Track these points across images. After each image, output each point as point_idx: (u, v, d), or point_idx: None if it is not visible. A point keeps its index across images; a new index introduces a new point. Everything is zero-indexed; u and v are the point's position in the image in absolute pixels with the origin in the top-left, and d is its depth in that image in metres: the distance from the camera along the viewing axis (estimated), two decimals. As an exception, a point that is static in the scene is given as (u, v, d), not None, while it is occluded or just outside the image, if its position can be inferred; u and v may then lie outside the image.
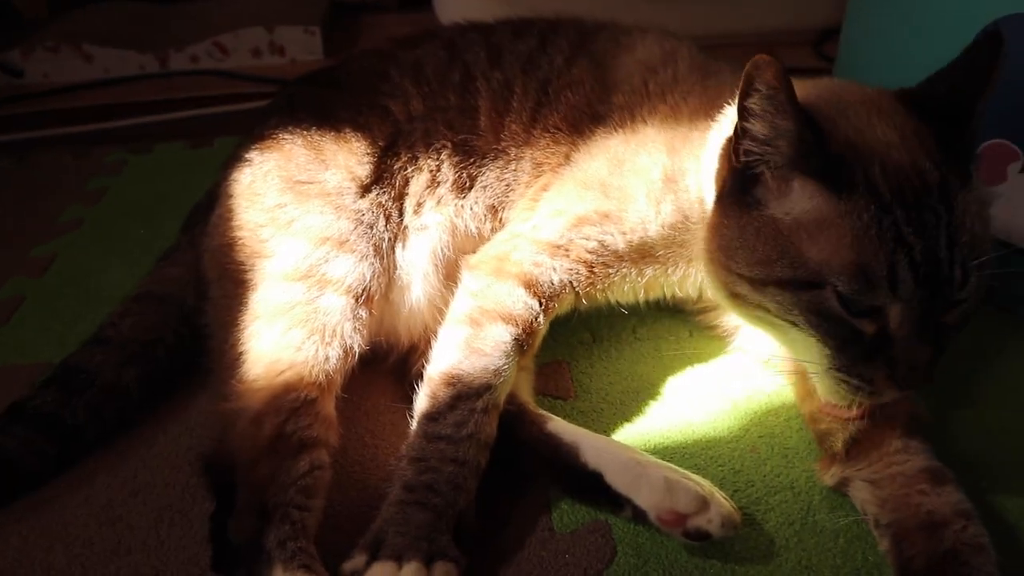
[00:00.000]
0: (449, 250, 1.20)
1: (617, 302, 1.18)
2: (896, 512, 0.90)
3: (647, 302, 1.20)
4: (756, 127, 0.87)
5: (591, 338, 1.25)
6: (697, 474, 0.98)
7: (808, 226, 0.86)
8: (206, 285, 1.18)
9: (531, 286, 1.07)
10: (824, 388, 0.92)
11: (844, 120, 0.89)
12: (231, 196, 1.20)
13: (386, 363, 1.19)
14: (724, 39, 2.24)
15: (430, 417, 0.97)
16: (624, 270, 1.12)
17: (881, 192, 0.83)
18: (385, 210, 1.17)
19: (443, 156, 1.21)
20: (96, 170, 1.82)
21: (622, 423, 1.11)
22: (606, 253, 1.11)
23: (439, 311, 1.14)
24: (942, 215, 0.83)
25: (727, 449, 1.06)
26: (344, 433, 1.07)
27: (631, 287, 1.15)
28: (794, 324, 0.90)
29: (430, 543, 0.87)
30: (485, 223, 1.23)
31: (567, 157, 1.19)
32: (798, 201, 0.87)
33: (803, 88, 0.91)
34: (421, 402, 1.00)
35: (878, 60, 1.46)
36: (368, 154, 1.19)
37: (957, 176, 0.86)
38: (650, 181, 1.09)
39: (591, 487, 0.96)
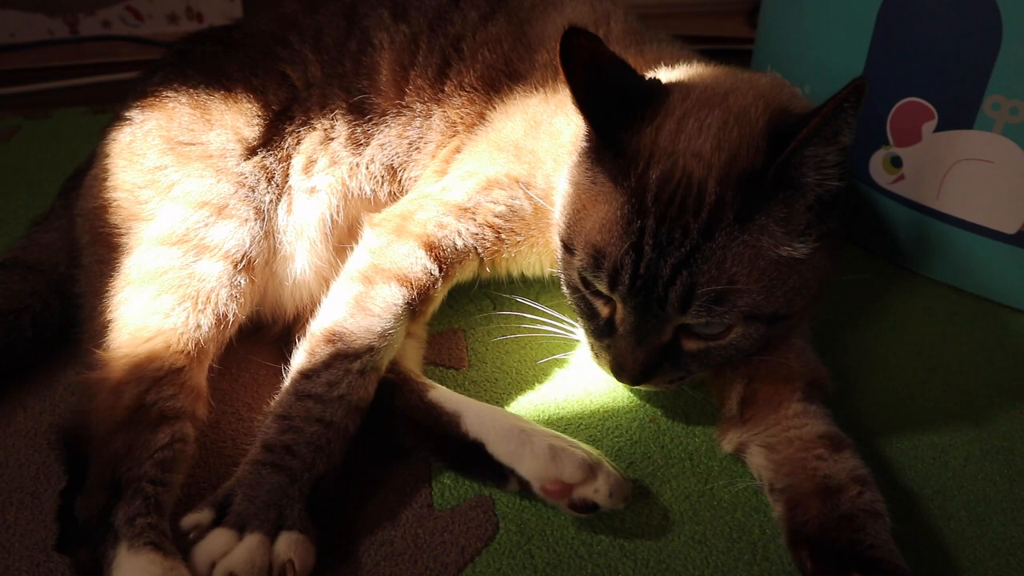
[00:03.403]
0: (340, 217, 1.14)
1: (522, 273, 1.13)
2: (791, 476, 0.86)
3: (553, 274, 1.14)
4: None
5: (491, 306, 1.19)
6: (592, 446, 0.93)
7: (591, 197, 0.90)
8: (79, 250, 1.10)
9: (432, 248, 1.02)
10: (590, 351, 0.97)
11: (669, 117, 0.87)
12: (108, 156, 1.13)
13: (270, 334, 1.12)
14: (657, 8, 2.20)
15: (304, 374, 0.92)
16: (532, 238, 1.08)
17: (645, 195, 0.83)
18: (268, 172, 1.11)
19: (338, 115, 1.17)
20: (-15, 136, 1.71)
21: (517, 393, 1.05)
22: (514, 218, 1.06)
23: (327, 283, 1.08)
24: (693, 236, 0.81)
25: (625, 420, 1.01)
26: (219, 407, 1.01)
27: (538, 257, 1.11)
28: (564, 288, 0.97)
29: (279, 511, 0.81)
30: (382, 186, 1.17)
31: (482, 116, 1.15)
32: (584, 172, 0.91)
33: (692, 78, 0.96)
34: (298, 358, 0.95)
35: (793, 32, 1.42)
36: (259, 116, 1.14)
37: (739, 209, 0.81)
38: (560, 144, 1.04)
39: (473, 458, 0.90)
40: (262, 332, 1.12)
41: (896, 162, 1.22)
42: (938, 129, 1.15)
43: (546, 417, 1.01)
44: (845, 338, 1.14)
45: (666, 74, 1.01)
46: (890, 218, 1.27)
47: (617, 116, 0.87)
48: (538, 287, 1.14)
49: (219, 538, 0.80)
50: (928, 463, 0.96)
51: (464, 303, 1.19)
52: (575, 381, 1.07)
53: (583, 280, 0.91)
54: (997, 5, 1.04)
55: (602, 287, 0.88)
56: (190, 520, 0.82)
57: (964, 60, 1.10)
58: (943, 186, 1.18)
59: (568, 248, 0.93)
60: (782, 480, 0.87)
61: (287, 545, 0.79)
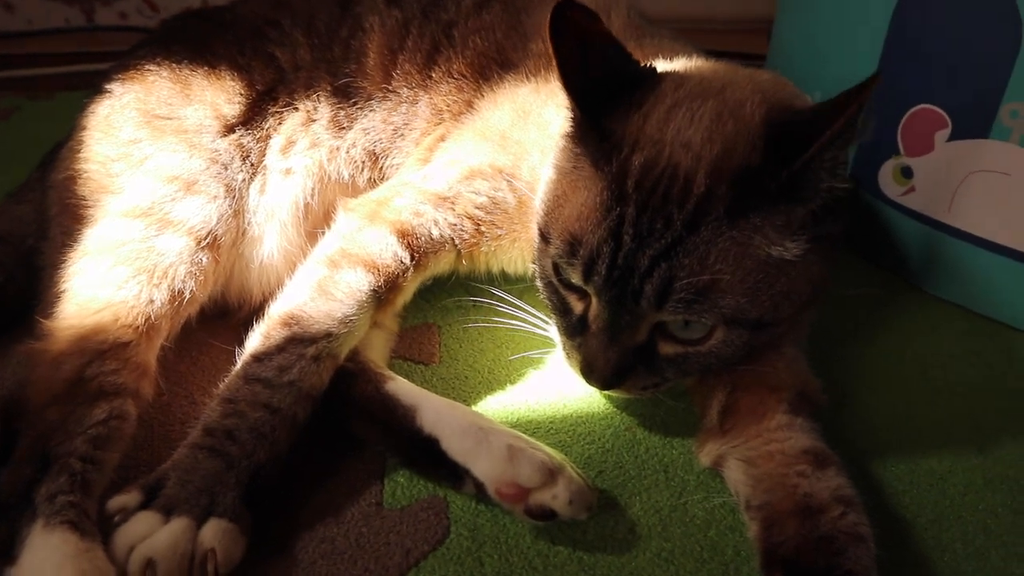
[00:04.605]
0: (315, 201, 1.10)
1: (503, 270, 1.08)
2: (770, 493, 0.79)
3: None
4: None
5: (470, 302, 1.12)
6: (560, 451, 0.87)
7: (571, 183, 0.84)
8: (48, 223, 1.07)
9: (406, 236, 0.98)
10: (562, 351, 0.91)
11: (659, 105, 0.82)
12: (85, 128, 1.12)
13: (235, 319, 1.07)
14: (680, 24, 2.15)
15: (256, 357, 0.87)
16: (514, 232, 1.03)
17: (626, 182, 0.78)
18: (244, 150, 1.08)
19: (321, 97, 1.14)
20: (-16, 114, 1.70)
21: (486, 392, 0.99)
22: (496, 211, 1.02)
23: (296, 268, 1.04)
24: (675, 227, 0.75)
25: (599, 427, 0.94)
26: (173, 389, 0.97)
27: (520, 253, 1.06)
28: (538, 281, 0.92)
29: (212, 498, 0.76)
30: (362, 172, 1.13)
31: (470, 105, 1.11)
32: (567, 157, 0.86)
33: (689, 70, 0.91)
34: (252, 341, 0.90)
35: (805, 38, 1.37)
36: (241, 95, 1.11)
37: (732, 205, 0.75)
38: (548, 136, 0.99)
39: (427, 456, 0.84)
40: (227, 317, 1.08)
41: (907, 173, 1.15)
42: (952, 138, 1.09)
43: (515, 419, 0.95)
44: (843, 353, 1.07)
45: (663, 66, 0.96)
46: (899, 232, 1.19)
47: (605, 98, 0.82)
48: (520, 287, 1.08)
49: (143, 521, 0.75)
50: (925, 489, 0.88)
51: (442, 298, 1.13)
52: (550, 384, 1.00)
53: (557, 271, 0.86)
54: (1016, 7, 0.98)
55: (576, 277, 0.82)
56: (116, 502, 0.77)
57: (980, 65, 1.03)
58: (955, 199, 1.10)
59: (544, 236, 0.87)
60: (760, 496, 0.80)
61: (213, 533, 0.74)
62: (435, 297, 1.13)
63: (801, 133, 0.74)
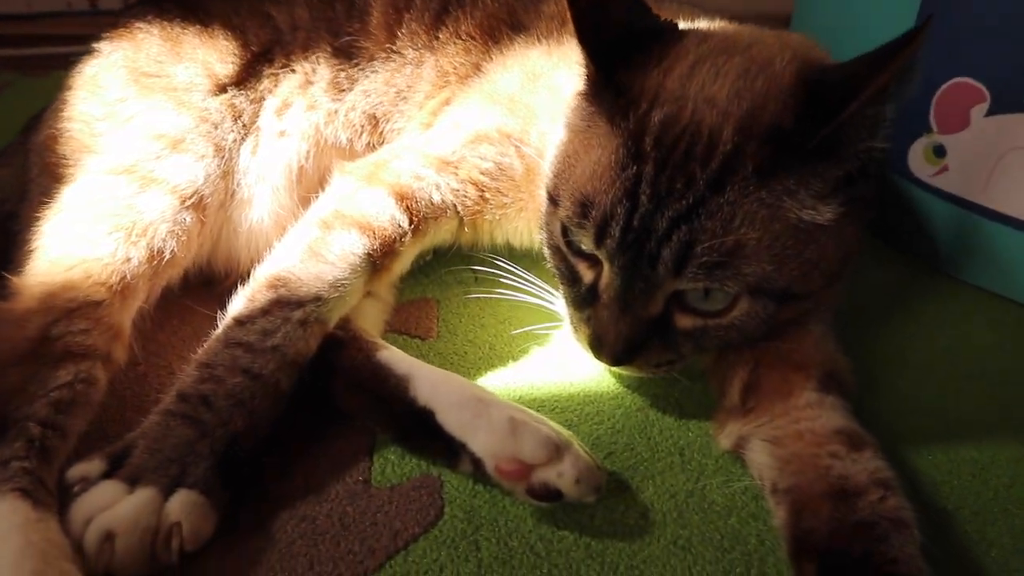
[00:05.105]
0: (309, 164, 1.04)
1: (508, 241, 1.01)
2: (799, 475, 0.72)
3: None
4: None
5: (472, 277, 1.05)
6: (567, 430, 0.79)
7: (584, 141, 0.78)
8: (27, 185, 1.02)
9: (404, 198, 0.92)
10: (570, 325, 0.84)
11: (681, 61, 0.75)
12: (71, 88, 1.07)
13: (222, 287, 0.99)
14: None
15: (238, 320, 0.81)
16: (521, 201, 0.97)
17: (644, 138, 0.72)
18: (237, 111, 1.03)
19: (321, 58, 1.08)
20: (-24, 89, 1.65)
21: (487, 369, 0.92)
22: (502, 177, 0.96)
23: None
24: (698, 187, 0.69)
25: (609, 406, 0.87)
26: (151, 359, 0.91)
27: (526, 223, 0.99)
28: (545, 249, 0.86)
29: (182, 468, 0.69)
30: (361, 136, 1.07)
31: (477, 68, 1.06)
32: (580, 115, 0.80)
33: (712, 28, 0.86)
34: (235, 303, 0.83)
35: (832, 6, 1.31)
36: (235, 55, 1.06)
37: (762, 164, 0.69)
38: (559, 101, 0.93)
39: (422, 429, 0.77)
40: (213, 285, 1.01)
41: (939, 152, 1.08)
42: (990, 113, 1.02)
43: (517, 397, 0.88)
44: (871, 339, 1.00)
45: (684, 25, 0.90)
46: (930, 216, 1.12)
47: (622, 52, 0.76)
48: (527, 262, 1.01)
49: (105, 490, 0.68)
50: (967, 480, 0.80)
51: (440, 270, 1.06)
52: (555, 361, 0.93)
53: (566, 234, 0.79)
54: (1064, -34, 0.92)
55: (587, 242, 0.75)
56: (77, 471, 0.70)
57: (1023, 33, 0.97)
58: (992, 179, 1.03)
59: (553, 199, 0.81)
60: (787, 479, 0.72)
61: (180, 505, 0.67)
62: (433, 271, 1.06)
63: (838, 90, 0.67)
